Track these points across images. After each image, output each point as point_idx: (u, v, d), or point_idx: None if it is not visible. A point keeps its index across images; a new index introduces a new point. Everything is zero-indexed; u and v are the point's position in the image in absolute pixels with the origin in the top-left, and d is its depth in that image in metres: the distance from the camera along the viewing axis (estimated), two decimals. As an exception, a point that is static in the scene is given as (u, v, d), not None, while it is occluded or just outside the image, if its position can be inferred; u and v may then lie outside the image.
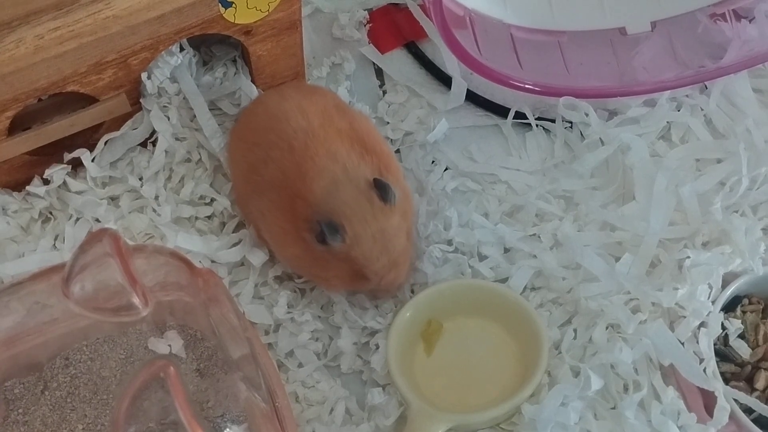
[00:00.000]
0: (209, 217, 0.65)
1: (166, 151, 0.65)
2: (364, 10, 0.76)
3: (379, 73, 0.74)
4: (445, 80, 0.73)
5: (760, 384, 0.58)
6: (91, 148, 0.64)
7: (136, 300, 0.48)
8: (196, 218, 0.65)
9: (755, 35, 0.70)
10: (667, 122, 0.69)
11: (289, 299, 0.61)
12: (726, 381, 0.57)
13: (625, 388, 0.58)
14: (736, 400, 0.56)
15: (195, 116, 0.66)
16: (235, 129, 0.63)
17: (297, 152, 0.57)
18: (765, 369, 0.58)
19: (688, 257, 0.60)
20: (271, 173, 0.58)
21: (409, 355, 0.60)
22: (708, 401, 0.57)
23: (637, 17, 0.72)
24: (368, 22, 0.76)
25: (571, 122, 0.70)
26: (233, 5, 0.60)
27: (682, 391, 0.58)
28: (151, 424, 0.49)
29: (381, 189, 0.56)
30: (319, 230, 0.55)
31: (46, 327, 0.54)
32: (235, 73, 0.68)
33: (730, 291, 0.59)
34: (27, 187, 0.65)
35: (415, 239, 0.62)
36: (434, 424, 0.56)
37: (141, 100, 0.64)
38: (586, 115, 0.69)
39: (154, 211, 0.64)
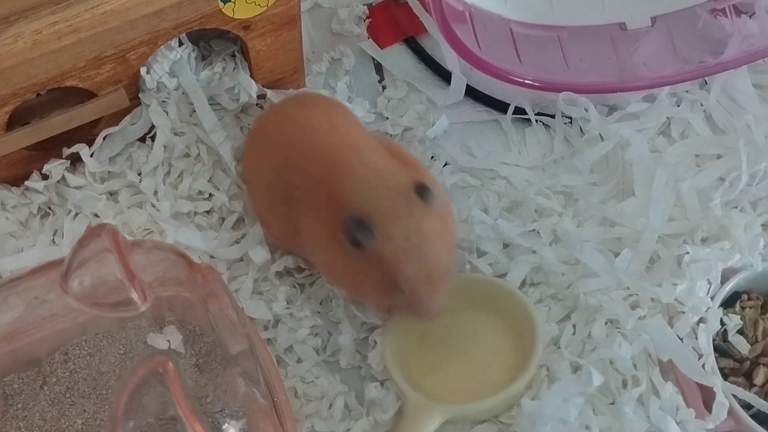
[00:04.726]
0: (208, 213, 0.65)
1: (164, 146, 0.65)
2: (364, 5, 0.76)
3: (378, 68, 0.74)
4: (444, 75, 0.72)
5: (759, 379, 0.58)
6: (90, 143, 0.64)
7: (134, 295, 0.47)
8: (195, 213, 0.65)
9: (755, 31, 0.70)
10: (667, 118, 0.69)
11: (288, 295, 0.61)
12: (725, 376, 0.57)
13: (624, 384, 0.58)
14: (734, 396, 0.56)
15: (194, 111, 0.66)
16: (263, 146, 0.61)
17: (329, 160, 0.55)
18: (764, 365, 0.58)
19: (688, 253, 0.60)
20: (309, 185, 0.56)
21: (406, 349, 0.60)
22: (707, 397, 0.57)
23: (637, 12, 0.72)
24: (368, 17, 0.76)
25: (570, 118, 0.70)
26: (232, 0, 0.60)
27: (681, 387, 0.58)
28: (150, 420, 0.49)
29: (421, 191, 0.53)
30: (350, 229, 0.52)
31: (44, 322, 0.54)
32: (234, 68, 0.67)
33: (729, 287, 0.59)
34: (26, 182, 0.64)
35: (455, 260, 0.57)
36: (430, 415, 0.56)
37: (140, 95, 0.64)
38: (586, 110, 0.69)
39: (153, 206, 0.64)
